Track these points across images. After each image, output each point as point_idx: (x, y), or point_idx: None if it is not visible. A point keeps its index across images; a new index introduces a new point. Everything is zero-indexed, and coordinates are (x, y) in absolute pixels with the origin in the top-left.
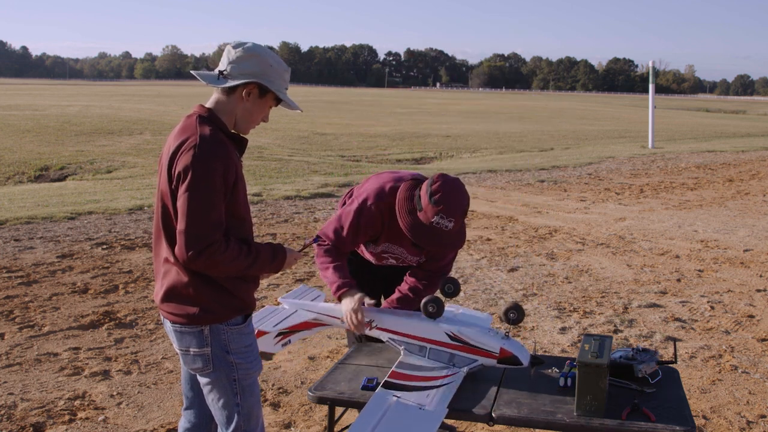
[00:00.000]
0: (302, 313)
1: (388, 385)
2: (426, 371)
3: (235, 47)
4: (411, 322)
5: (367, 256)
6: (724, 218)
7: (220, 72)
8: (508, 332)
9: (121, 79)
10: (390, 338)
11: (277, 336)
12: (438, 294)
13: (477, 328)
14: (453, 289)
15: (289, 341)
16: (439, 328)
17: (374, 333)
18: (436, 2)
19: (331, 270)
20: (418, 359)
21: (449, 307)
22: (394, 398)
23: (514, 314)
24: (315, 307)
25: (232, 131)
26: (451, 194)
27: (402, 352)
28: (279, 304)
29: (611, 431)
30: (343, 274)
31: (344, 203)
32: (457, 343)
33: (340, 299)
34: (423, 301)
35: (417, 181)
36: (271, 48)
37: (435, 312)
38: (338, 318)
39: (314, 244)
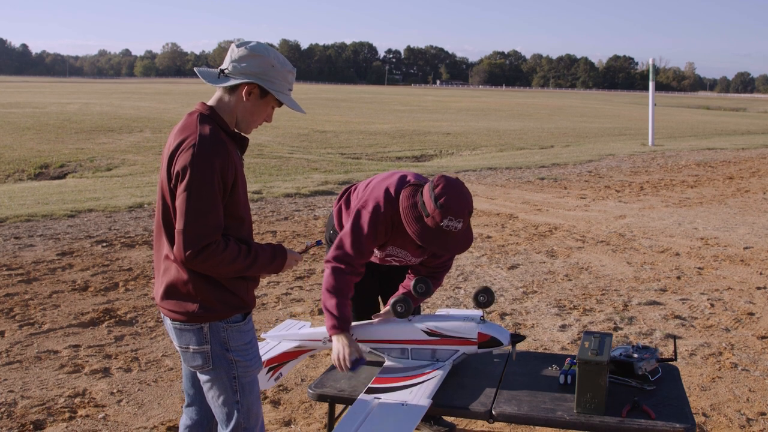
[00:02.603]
0: (285, 343)
1: (370, 391)
2: (409, 371)
3: (238, 46)
4: (388, 327)
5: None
6: (724, 216)
7: (222, 70)
8: (483, 316)
9: (121, 77)
10: (372, 348)
11: (268, 372)
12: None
13: (452, 319)
14: (425, 290)
15: (281, 374)
16: (416, 327)
17: None
18: (436, 0)
19: (334, 303)
20: (401, 362)
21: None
22: (377, 401)
23: (484, 297)
24: (296, 335)
25: (234, 130)
26: (456, 196)
27: (386, 359)
28: (264, 339)
29: (611, 429)
30: (342, 313)
31: (340, 206)
32: (436, 338)
33: (331, 337)
34: (392, 301)
35: (416, 186)
36: (271, 46)
37: (404, 311)
38: (320, 340)
39: (316, 245)
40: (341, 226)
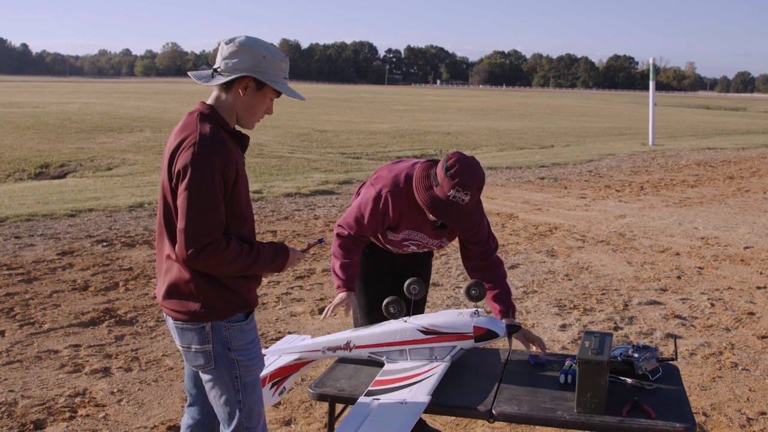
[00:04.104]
0: (285, 357)
1: (370, 394)
2: (408, 371)
3: (227, 43)
4: (384, 330)
5: (387, 246)
6: (724, 215)
7: (214, 69)
8: (477, 310)
9: (121, 77)
10: (371, 353)
11: (271, 388)
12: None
13: (446, 315)
14: (418, 290)
15: (284, 388)
16: (411, 327)
17: (355, 353)
18: (436, 0)
19: (338, 264)
20: (400, 364)
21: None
22: (376, 402)
23: (476, 291)
24: (295, 347)
25: (235, 128)
26: (466, 168)
27: (385, 363)
28: (265, 355)
29: (611, 428)
30: (348, 274)
31: (358, 194)
32: (432, 336)
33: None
34: (384, 303)
35: (433, 161)
36: (272, 46)
37: (397, 312)
38: (319, 351)
39: (318, 244)
40: None
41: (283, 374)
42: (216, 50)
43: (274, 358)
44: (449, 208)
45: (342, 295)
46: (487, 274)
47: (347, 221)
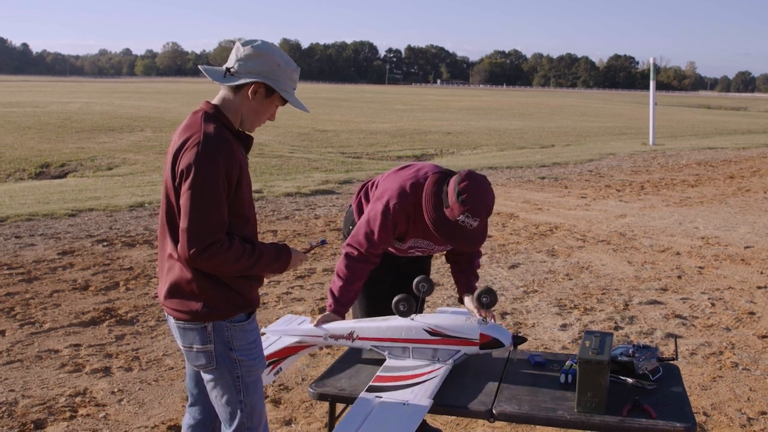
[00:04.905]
0: (285, 338)
1: (371, 389)
2: (410, 370)
3: (244, 45)
4: (390, 325)
5: (391, 251)
6: (724, 215)
7: (228, 69)
8: (485, 317)
9: (122, 76)
10: (373, 346)
11: (267, 366)
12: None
13: (454, 319)
14: (426, 288)
15: (280, 369)
16: (418, 326)
17: (357, 344)
18: None
19: (338, 287)
20: (402, 361)
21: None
22: (378, 400)
23: (487, 298)
24: (297, 330)
25: (238, 129)
26: (478, 194)
27: (386, 358)
28: (264, 334)
29: (612, 428)
30: (345, 299)
31: (359, 200)
32: (437, 337)
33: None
34: (394, 300)
35: (444, 175)
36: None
37: (406, 310)
38: (321, 336)
39: (320, 245)
40: None
41: (281, 355)
42: (217, 50)
43: (275, 338)
44: (456, 232)
45: (329, 316)
46: (462, 259)
47: (357, 239)
